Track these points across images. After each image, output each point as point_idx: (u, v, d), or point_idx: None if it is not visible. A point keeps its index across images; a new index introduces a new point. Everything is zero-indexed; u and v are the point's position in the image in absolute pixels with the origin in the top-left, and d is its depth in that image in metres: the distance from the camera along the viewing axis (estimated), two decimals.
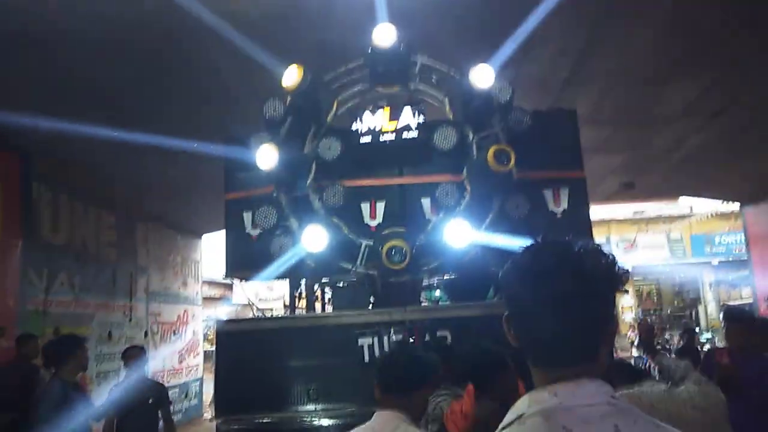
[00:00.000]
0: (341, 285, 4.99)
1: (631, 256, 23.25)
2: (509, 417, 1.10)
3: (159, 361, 10.79)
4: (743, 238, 12.78)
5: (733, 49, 5.95)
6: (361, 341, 3.93)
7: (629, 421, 1.03)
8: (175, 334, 11.64)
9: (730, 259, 18.76)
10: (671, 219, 23.10)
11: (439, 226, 4.30)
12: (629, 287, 23.88)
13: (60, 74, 5.91)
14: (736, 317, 4.27)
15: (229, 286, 25.88)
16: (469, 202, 4.42)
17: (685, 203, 21.99)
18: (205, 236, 13.49)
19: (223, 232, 13.24)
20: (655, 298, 25.57)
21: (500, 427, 1.11)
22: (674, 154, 9.23)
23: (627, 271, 1.13)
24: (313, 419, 3.88)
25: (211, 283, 20.31)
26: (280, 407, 3.95)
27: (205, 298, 14.26)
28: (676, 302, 24.54)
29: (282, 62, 4.85)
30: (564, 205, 4.88)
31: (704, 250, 20.23)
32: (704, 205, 20.52)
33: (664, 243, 23.10)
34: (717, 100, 7.08)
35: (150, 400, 5.22)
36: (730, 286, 19.30)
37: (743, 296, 16.94)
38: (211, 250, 14.25)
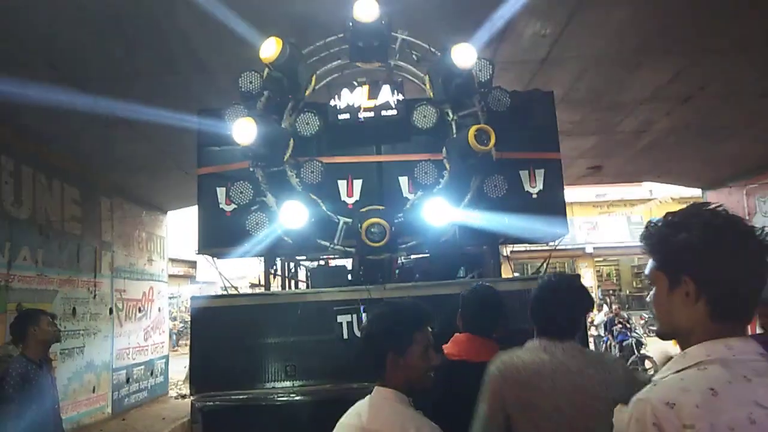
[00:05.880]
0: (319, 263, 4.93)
1: (592, 238, 23.82)
2: (683, 362, 1.23)
3: (124, 338, 10.61)
4: None
5: (704, 38, 6.06)
6: (340, 318, 3.92)
7: None
8: (140, 311, 11.44)
9: None
10: (632, 202, 23.72)
11: (417, 205, 4.29)
12: (590, 268, 24.43)
13: (19, 39, 5.60)
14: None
15: (194, 264, 25.57)
16: (447, 181, 4.43)
17: (646, 188, 22.57)
18: (170, 213, 13.20)
19: (188, 209, 12.94)
20: (615, 279, 26.33)
21: (673, 370, 1.23)
22: (641, 138, 9.41)
23: None
24: (291, 396, 3.87)
25: (176, 261, 20.02)
26: (256, 384, 3.92)
27: (169, 275, 14.03)
28: (634, 283, 25.30)
29: (258, 33, 4.73)
30: (540, 186, 4.92)
31: None
32: (664, 190, 21.10)
33: (624, 225, 23.72)
34: (686, 86, 7.21)
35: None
36: None
37: None
38: (175, 226, 13.99)
